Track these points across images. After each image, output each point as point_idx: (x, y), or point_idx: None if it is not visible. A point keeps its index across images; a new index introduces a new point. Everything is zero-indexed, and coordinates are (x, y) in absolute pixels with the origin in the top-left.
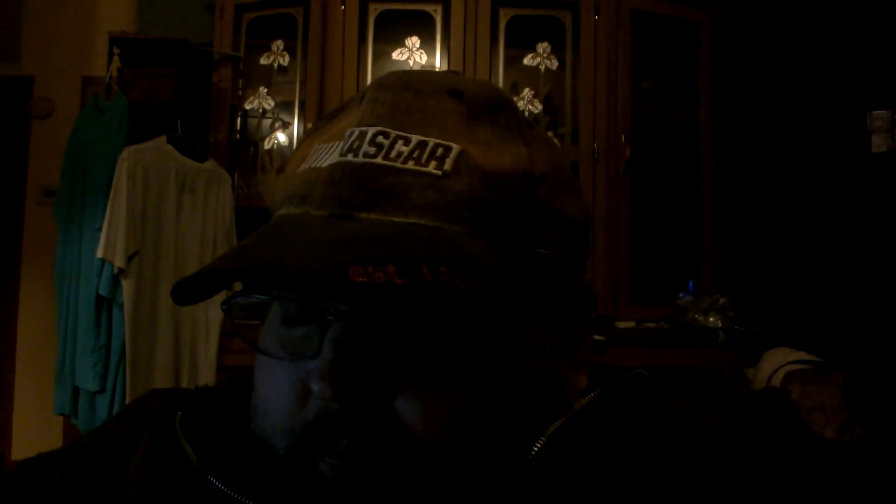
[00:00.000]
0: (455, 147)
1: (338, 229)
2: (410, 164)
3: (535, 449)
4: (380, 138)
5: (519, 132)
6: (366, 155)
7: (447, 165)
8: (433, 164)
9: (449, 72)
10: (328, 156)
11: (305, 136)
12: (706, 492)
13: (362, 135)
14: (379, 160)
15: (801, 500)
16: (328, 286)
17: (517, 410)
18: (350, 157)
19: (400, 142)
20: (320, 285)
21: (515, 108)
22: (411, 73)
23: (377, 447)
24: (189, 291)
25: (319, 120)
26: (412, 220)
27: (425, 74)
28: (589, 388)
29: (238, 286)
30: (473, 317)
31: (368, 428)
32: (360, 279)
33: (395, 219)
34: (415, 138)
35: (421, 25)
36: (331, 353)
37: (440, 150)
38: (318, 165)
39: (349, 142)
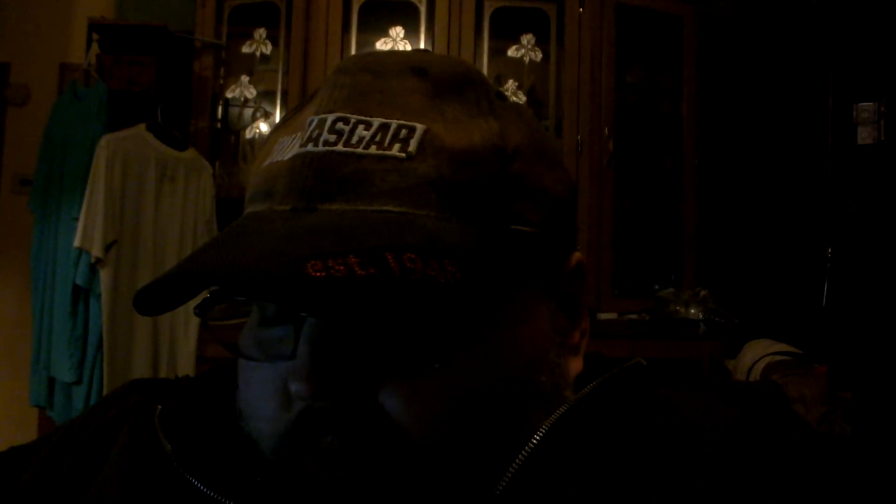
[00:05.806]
0: (420, 127)
1: (299, 223)
2: (373, 149)
3: (536, 439)
4: (339, 124)
5: (489, 107)
6: (326, 143)
7: (411, 147)
8: (397, 146)
9: (415, 50)
10: (290, 148)
11: (272, 131)
12: (703, 486)
13: (322, 122)
14: (340, 147)
15: (799, 492)
16: (286, 285)
17: (504, 401)
18: (310, 146)
19: (361, 126)
20: (278, 285)
21: (485, 81)
22: (373, 53)
23: (364, 442)
24: (153, 300)
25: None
26: (377, 208)
27: (387, 54)
28: (586, 375)
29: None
30: (450, 302)
31: (353, 424)
32: (318, 274)
33: (360, 207)
34: (376, 121)
35: (405, 15)
36: (306, 351)
37: (404, 132)
38: (280, 159)
39: (309, 131)
